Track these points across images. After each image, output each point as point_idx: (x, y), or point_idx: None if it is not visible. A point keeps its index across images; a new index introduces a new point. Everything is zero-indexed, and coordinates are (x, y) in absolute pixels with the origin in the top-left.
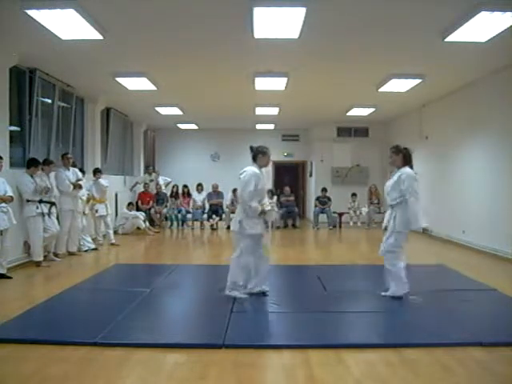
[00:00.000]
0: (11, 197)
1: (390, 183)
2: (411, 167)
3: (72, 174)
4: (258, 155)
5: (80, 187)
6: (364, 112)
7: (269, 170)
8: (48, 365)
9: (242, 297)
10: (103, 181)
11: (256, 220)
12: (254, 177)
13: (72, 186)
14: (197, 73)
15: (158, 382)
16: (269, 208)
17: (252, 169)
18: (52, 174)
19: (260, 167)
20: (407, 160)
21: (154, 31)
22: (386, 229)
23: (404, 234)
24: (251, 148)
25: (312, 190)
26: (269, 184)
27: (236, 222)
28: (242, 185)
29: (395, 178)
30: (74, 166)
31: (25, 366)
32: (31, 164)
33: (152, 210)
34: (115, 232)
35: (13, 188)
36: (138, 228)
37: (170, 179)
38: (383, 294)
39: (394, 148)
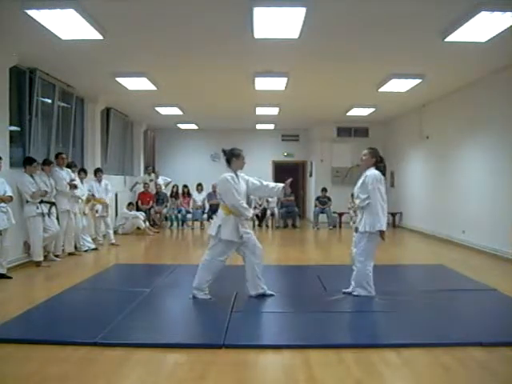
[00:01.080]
0: (11, 197)
1: (358, 185)
2: (382, 173)
3: (66, 173)
4: (232, 159)
5: (75, 187)
6: (364, 112)
7: (268, 170)
8: (48, 365)
9: (205, 298)
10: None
11: (234, 227)
12: (228, 183)
13: (68, 186)
14: (197, 73)
15: (158, 382)
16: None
17: (224, 176)
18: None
19: (235, 171)
20: (378, 167)
21: (154, 31)
22: (356, 230)
23: (375, 235)
24: (224, 151)
25: (312, 190)
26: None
27: (215, 226)
28: (223, 195)
29: (362, 179)
30: (69, 166)
31: (25, 365)
32: (26, 163)
33: (152, 210)
34: (115, 232)
35: (13, 188)
36: (138, 228)
37: (170, 179)
38: (345, 290)
39: (371, 149)
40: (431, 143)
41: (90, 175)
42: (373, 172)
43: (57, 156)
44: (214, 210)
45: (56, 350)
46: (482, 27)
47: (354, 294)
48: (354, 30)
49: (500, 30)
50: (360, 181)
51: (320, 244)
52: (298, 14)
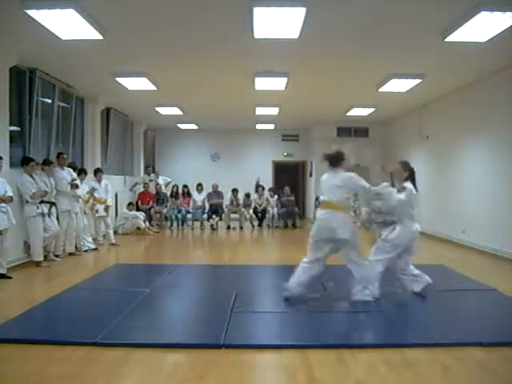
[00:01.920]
0: (11, 197)
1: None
2: (414, 185)
3: (67, 173)
4: (341, 162)
5: (77, 187)
6: (364, 112)
7: (268, 170)
8: (48, 365)
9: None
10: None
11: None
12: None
13: (69, 186)
14: (197, 73)
15: (158, 382)
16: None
17: (350, 174)
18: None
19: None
20: (412, 178)
21: (154, 31)
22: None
23: (398, 247)
24: (327, 156)
25: (312, 190)
26: (269, 184)
27: (347, 229)
28: (355, 185)
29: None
30: (71, 166)
31: (25, 365)
32: (23, 163)
33: (152, 210)
34: (115, 232)
35: (13, 188)
36: (138, 228)
37: (170, 179)
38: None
39: (402, 163)
40: (431, 143)
41: (90, 175)
42: (411, 187)
43: (58, 156)
44: (214, 210)
45: (56, 350)
46: (482, 27)
47: (355, 298)
48: (354, 29)
49: (500, 30)
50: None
51: None
52: (298, 14)
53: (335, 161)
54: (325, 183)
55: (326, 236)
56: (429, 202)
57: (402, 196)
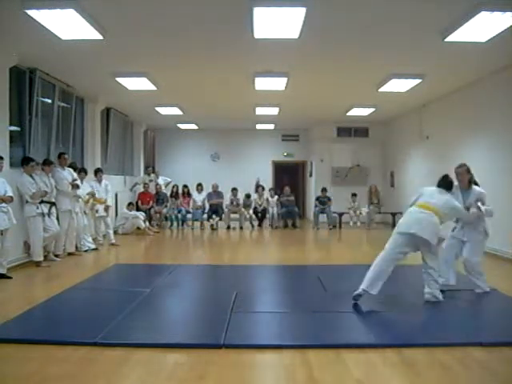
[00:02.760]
0: (11, 197)
1: (470, 201)
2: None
3: (68, 173)
4: (450, 189)
5: (77, 187)
6: (364, 112)
7: (268, 170)
8: (48, 365)
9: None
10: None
11: None
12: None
13: (70, 186)
14: (197, 73)
15: (158, 382)
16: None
17: (447, 197)
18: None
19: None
20: (474, 181)
21: (153, 31)
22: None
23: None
24: (446, 180)
25: (312, 190)
26: (269, 184)
27: (435, 234)
28: (455, 211)
29: (474, 197)
30: (71, 166)
31: (25, 365)
32: (23, 163)
33: (152, 210)
34: (115, 232)
35: (13, 188)
36: (138, 228)
37: (170, 179)
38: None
39: (464, 165)
40: (431, 143)
41: (90, 175)
42: (479, 191)
43: (59, 156)
44: (214, 210)
45: (56, 350)
46: (482, 27)
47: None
48: (354, 29)
49: (500, 30)
50: (472, 198)
51: (320, 244)
52: (298, 14)
53: (447, 186)
54: (429, 191)
55: (412, 230)
56: None
57: (490, 208)
